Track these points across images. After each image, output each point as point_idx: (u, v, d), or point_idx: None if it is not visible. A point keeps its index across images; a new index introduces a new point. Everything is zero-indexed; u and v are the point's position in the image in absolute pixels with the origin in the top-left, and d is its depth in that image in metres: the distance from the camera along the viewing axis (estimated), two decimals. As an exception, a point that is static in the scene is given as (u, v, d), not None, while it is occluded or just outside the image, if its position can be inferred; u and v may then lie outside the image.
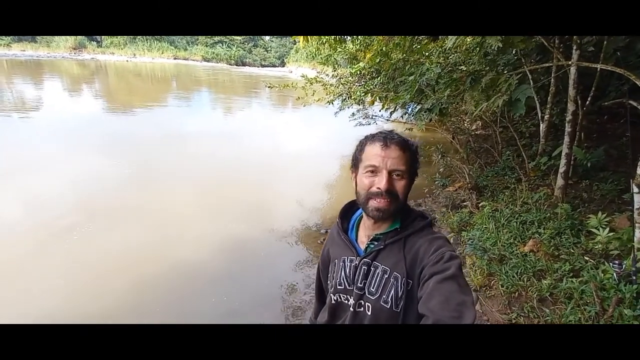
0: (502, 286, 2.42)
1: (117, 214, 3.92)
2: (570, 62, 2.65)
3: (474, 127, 6.14)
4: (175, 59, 33.40)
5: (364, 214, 0.88)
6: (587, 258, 2.32)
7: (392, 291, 0.79)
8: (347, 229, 0.95)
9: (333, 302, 0.91)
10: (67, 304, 2.54)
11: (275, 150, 7.32)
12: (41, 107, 9.36)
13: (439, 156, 4.07)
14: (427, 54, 4.58)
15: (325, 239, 1.09)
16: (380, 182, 0.80)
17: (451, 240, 3.38)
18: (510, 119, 4.60)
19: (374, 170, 0.81)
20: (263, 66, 37.56)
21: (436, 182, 3.96)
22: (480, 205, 3.56)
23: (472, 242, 2.83)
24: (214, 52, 36.44)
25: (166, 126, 8.44)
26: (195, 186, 4.92)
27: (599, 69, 3.25)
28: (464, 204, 3.86)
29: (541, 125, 4.07)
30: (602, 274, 2.06)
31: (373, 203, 0.82)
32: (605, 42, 3.11)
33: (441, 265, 0.74)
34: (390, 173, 0.80)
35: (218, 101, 14.15)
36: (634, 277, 1.86)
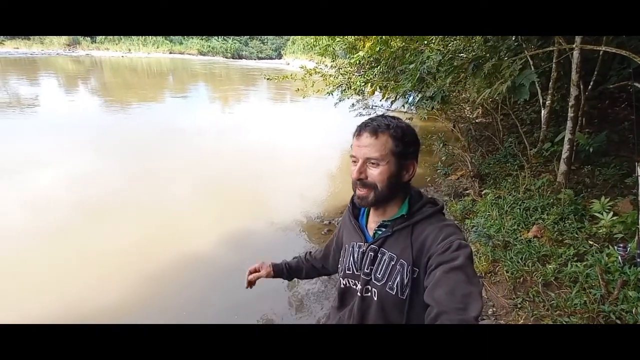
0: (507, 272, 2.44)
1: (116, 211, 3.91)
2: (573, 46, 2.62)
3: (474, 115, 6.12)
4: (170, 53, 33.07)
5: None
6: (591, 242, 2.33)
7: (398, 278, 0.79)
8: (358, 214, 0.95)
9: (342, 286, 0.92)
10: (71, 301, 2.54)
11: (275, 143, 7.27)
12: (37, 104, 9.28)
13: (440, 145, 4.06)
14: (426, 41, 4.54)
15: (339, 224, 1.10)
16: (353, 172, 0.81)
17: (454, 228, 3.40)
18: (511, 106, 4.58)
19: (355, 161, 0.82)
20: (260, 59, 37.29)
21: (438, 171, 3.96)
22: (483, 192, 3.56)
23: (476, 229, 2.84)
24: (209, 46, 36.14)
25: (164, 122, 8.39)
26: (195, 181, 4.91)
27: (601, 53, 3.24)
28: (467, 192, 3.86)
29: (542, 111, 4.05)
30: (607, 258, 2.08)
31: (356, 192, 0.83)
32: (608, 25, 3.07)
33: (449, 254, 0.72)
34: (365, 162, 0.80)
35: (215, 95, 14.05)
36: (639, 260, 1.87)
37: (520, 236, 2.69)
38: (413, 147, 0.84)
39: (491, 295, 2.39)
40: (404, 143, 0.81)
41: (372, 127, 0.79)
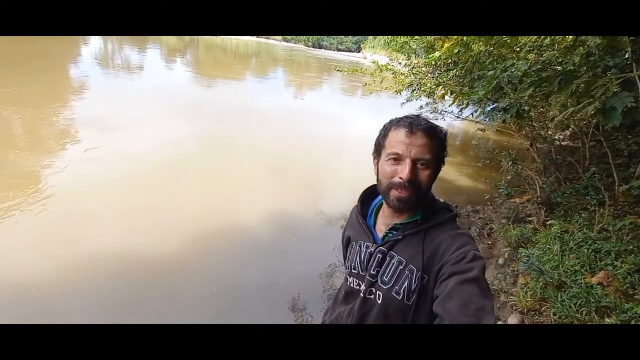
0: (554, 315, 2.18)
1: (188, 174, 4.36)
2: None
3: (560, 136, 5.41)
4: (257, 36, 34.99)
5: (384, 201, 0.86)
6: (670, 305, 1.96)
7: (406, 283, 0.78)
8: (366, 214, 0.94)
9: (348, 283, 0.92)
10: (132, 243, 2.93)
11: (340, 134, 7.33)
12: (142, 71, 10.68)
13: (509, 162, 3.69)
14: (519, 48, 4.12)
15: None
16: (403, 171, 0.76)
17: (505, 256, 3.13)
18: (607, 132, 3.94)
19: (397, 158, 0.78)
20: (339, 50, 37.46)
21: (500, 190, 3.62)
22: (548, 223, 3.18)
23: (527, 260, 2.57)
24: (294, 33, 37.31)
25: (242, 100, 8.99)
26: (259, 159, 5.22)
27: None
28: (529, 219, 3.48)
29: (647, 143, 3.43)
30: (687, 327, 1.73)
31: (394, 193, 0.78)
32: None
33: (463, 265, 0.70)
34: (414, 162, 0.76)
35: (291, 81, 14.60)
36: None
37: (581, 279, 2.37)
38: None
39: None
40: (445, 149, 0.81)
41: (427, 127, 0.77)
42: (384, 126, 0.84)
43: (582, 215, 3.12)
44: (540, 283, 2.42)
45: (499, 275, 2.92)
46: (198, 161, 4.79)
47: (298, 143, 6.27)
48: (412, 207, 0.80)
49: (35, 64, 8.51)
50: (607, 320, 1.97)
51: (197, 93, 9.13)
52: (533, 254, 2.63)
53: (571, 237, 2.79)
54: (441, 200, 0.88)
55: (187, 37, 25.15)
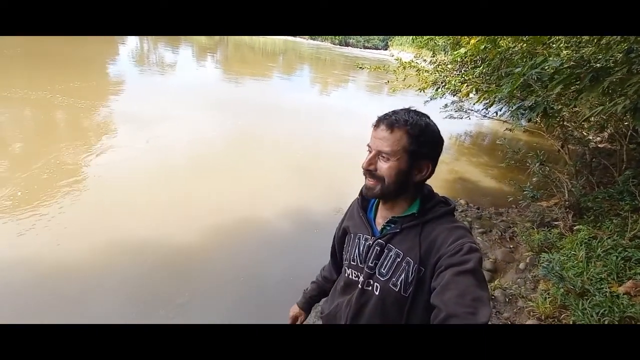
0: (574, 323, 2.08)
1: (212, 168, 4.54)
2: None
3: (597, 138, 5.08)
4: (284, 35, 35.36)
5: None
6: None
7: (403, 275, 0.79)
8: (367, 207, 0.96)
9: (347, 275, 0.95)
10: (169, 234, 3.10)
11: (363, 133, 7.26)
12: (174, 68, 11.16)
13: (536, 164, 3.53)
14: (553, 44, 3.91)
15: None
16: (364, 161, 0.82)
17: (527, 261, 3.02)
18: (650, 133, 3.67)
19: (369, 151, 0.83)
20: (366, 48, 37.04)
21: (525, 193, 3.47)
22: (575, 228, 3.03)
23: (547, 264, 2.46)
24: (321, 31, 37.34)
25: (268, 97, 9.16)
26: (282, 156, 5.33)
27: None
28: (555, 223, 3.32)
29: (693, 147, 3.16)
30: None
31: (366, 181, 0.85)
32: None
33: (459, 257, 0.71)
34: (377, 154, 0.80)
35: (317, 78, 14.67)
36: None
37: (607, 288, 2.24)
38: (429, 148, 0.81)
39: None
40: (418, 142, 0.79)
41: (390, 121, 0.79)
42: None
43: (614, 221, 2.94)
44: (561, 290, 2.32)
45: (519, 280, 2.82)
46: (226, 157, 4.97)
47: (321, 140, 6.32)
48: (381, 196, 0.84)
49: (83, 62, 9.14)
50: (632, 332, 1.86)
51: (227, 91, 9.42)
52: (554, 259, 2.52)
53: (599, 244, 2.65)
54: (439, 194, 0.89)
55: (216, 36, 25.88)
